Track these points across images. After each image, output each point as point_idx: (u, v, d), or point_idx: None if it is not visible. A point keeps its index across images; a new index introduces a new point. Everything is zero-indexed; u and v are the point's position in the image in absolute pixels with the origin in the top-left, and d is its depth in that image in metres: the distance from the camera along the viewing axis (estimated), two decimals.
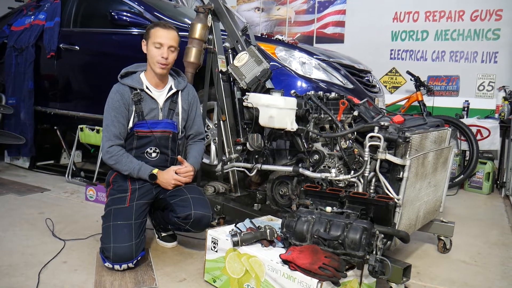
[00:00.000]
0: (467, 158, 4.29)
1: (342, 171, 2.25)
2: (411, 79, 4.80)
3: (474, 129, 4.28)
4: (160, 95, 2.29)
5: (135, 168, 2.18)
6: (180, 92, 2.35)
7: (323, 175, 2.10)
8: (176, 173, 2.24)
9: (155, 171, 2.20)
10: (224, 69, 2.75)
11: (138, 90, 2.22)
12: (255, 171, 2.42)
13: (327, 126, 2.45)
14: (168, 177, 2.22)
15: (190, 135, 2.46)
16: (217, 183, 2.78)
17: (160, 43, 2.20)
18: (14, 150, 4.39)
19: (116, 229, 2.07)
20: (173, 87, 2.33)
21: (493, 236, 2.89)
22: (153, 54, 2.21)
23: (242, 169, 2.51)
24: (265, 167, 2.39)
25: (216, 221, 2.57)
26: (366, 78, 3.50)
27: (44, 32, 4.07)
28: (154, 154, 2.28)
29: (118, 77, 2.26)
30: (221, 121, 2.77)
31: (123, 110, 2.19)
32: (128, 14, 3.39)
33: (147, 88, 2.25)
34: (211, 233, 1.97)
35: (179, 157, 2.30)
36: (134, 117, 2.21)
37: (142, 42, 2.28)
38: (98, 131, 3.59)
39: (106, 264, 2.03)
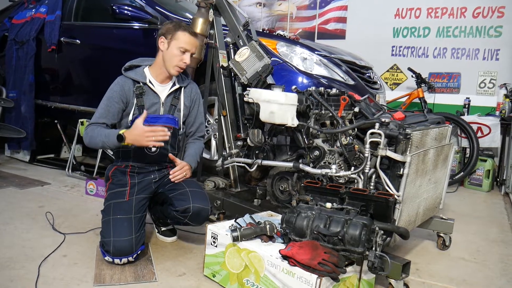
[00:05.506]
0: (468, 155, 4.29)
1: (343, 167, 2.25)
2: (412, 76, 4.79)
3: (474, 127, 4.28)
4: (163, 90, 2.29)
5: (104, 136, 2.08)
6: (183, 88, 2.36)
7: (324, 171, 2.10)
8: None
9: (122, 131, 2.05)
10: (225, 64, 2.74)
11: (141, 84, 2.23)
12: (255, 166, 2.42)
13: (327, 122, 2.45)
14: (138, 132, 2.02)
15: (190, 132, 2.46)
16: (217, 178, 2.78)
17: (186, 49, 2.21)
18: (14, 144, 4.39)
19: (116, 223, 2.07)
20: (176, 83, 2.33)
21: (492, 234, 2.89)
22: (174, 57, 2.21)
23: (243, 165, 2.51)
24: (265, 162, 2.39)
25: (216, 216, 2.57)
26: (367, 74, 3.49)
27: (45, 25, 4.06)
28: (154, 149, 2.28)
29: (122, 69, 2.26)
30: (222, 116, 2.77)
31: (118, 101, 2.19)
32: (130, 8, 3.37)
33: (150, 82, 2.25)
34: (211, 228, 1.97)
35: (170, 155, 2.28)
36: (135, 110, 2.21)
37: (160, 38, 2.24)
38: None
39: (106, 258, 2.03)
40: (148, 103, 2.24)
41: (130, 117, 2.22)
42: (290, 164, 2.28)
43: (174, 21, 2.32)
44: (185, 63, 2.23)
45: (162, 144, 2.10)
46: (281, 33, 3.20)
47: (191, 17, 2.98)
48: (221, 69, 2.74)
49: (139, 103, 2.22)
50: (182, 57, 2.21)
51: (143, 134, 2.02)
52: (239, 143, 2.68)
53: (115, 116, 2.21)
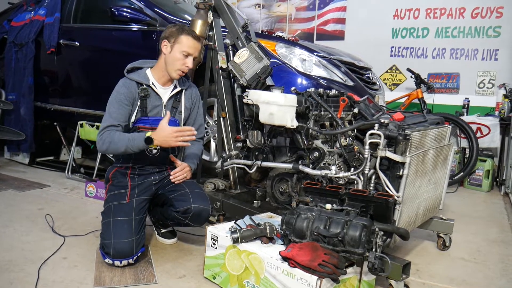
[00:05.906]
0: (467, 156, 4.30)
1: (342, 168, 2.25)
2: (411, 77, 4.79)
3: (474, 127, 4.28)
4: (165, 93, 2.29)
5: (128, 140, 2.07)
6: (184, 91, 2.36)
7: (323, 172, 2.10)
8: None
9: (149, 133, 2.05)
10: (224, 66, 2.74)
11: (145, 86, 2.22)
12: (255, 168, 2.42)
13: (327, 123, 2.45)
14: (166, 133, 2.04)
15: None
16: (217, 180, 2.78)
17: (189, 53, 2.21)
18: (14, 146, 4.39)
19: (117, 224, 2.07)
20: (177, 85, 2.33)
21: (492, 234, 2.89)
22: (177, 61, 2.20)
23: (242, 166, 2.51)
24: (265, 164, 2.39)
25: (215, 218, 2.57)
26: (366, 75, 3.49)
27: (44, 27, 4.06)
28: (154, 151, 2.28)
29: (125, 71, 2.26)
30: (221, 118, 2.77)
31: (127, 104, 2.18)
32: (129, 10, 3.37)
33: (153, 84, 2.25)
34: (210, 229, 1.97)
35: (171, 156, 2.29)
36: (138, 112, 2.21)
37: (163, 41, 2.23)
38: (98, 127, 3.58)
39: (106, 260, 2.03)
40: (151, 106, 2.24)
41: (133, 119, 2.21)
42: (290, 166, 2.28)
43: (178, 25, 2.31)
44: (188, 67, 2.22)
45: (189, 144, 2.19)
46: (280, 34, 3.20)
47: (190, 18, 2.98)
48: (220, 71, 2.74)
49: (142, 105, 2.21)
50: (185, 61, 2.20)
51: (172, 134, 2.04)
52: (239, 144, 2.68)
53: (127, 118, 2.19)
